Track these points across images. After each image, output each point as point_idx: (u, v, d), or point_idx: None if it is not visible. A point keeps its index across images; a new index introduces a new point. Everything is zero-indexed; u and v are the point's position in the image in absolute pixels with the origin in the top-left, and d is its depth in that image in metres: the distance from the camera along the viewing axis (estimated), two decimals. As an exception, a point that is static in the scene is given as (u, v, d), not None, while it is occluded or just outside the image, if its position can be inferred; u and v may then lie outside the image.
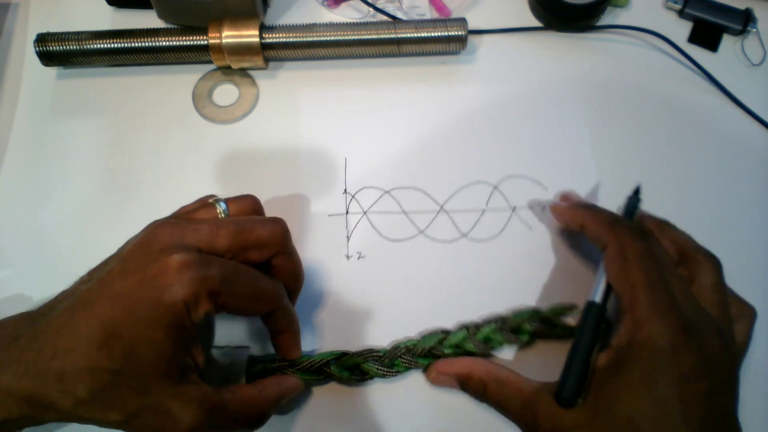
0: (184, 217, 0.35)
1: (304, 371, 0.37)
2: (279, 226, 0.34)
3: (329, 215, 0.43)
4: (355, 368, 0.38)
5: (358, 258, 0.42)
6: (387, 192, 0.44)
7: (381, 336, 0.40)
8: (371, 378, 0.38)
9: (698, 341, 0.29)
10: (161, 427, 0.30)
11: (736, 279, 0.42)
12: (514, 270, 0.41)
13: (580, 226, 0.36)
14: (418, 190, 0.44)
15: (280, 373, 0.37)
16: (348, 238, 0.42)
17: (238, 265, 0.32)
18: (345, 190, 0.44)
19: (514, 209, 0.43)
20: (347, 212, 0.43)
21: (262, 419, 0.33)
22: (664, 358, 0.29)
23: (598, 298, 0.34)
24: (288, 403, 0.38)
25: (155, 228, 0.32)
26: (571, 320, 0.38)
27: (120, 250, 0.33)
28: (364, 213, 0.43)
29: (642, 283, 0.31)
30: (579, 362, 0.31)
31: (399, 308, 0.40)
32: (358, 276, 0.41)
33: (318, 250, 0.42)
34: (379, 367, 0.37)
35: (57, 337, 0.30)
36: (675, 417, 0.28)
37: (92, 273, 0.33)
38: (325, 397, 0.38)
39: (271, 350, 0.37)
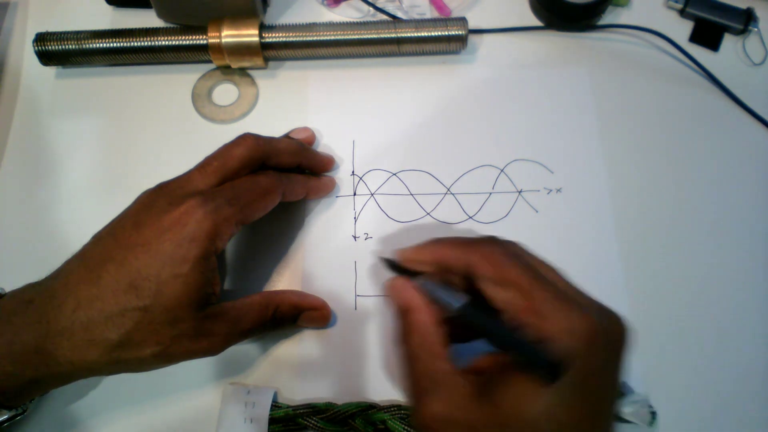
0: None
1: (327, 421, 0.36)
2: (244, 145, 0.36)
3: (337, 196, 0.44)
4: (380, 424, 0.36)
5: (366, 239, 0.42)
6: (394, 174, 0.44)
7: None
8: None
9: (604, 330, 0.28)
10: (199, 347, 0.32)
11: (737, 279, 0.42)
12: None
13: (435, 263, 0.32)
14: (425, 173, 0.45)
15: (303, 419, 0.36)
16: (355, 219, 0.43)
17: (235, 182, 0.35)
18: (353, 172, 0.44)
19: (520, 192, 0.44)
20: (354, 194, 0.44)
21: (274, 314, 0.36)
22: (576, 352, 0.27)
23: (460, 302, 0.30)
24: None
25: (153, 192, 0.34)
26: None
27: (122, 213, 0.34)
28: (372, 195, 0.44)
29: (526, 282, 0.29)
30: (518, 341, 0.28)
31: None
32: (365, 255, 0.42)
33: (326, 230, 0.43)
34: (406, 427, 0.36)
35: (77, 290, 0.31)
36: (583, 419, 0.26)
37: (97, 236, 0.33)
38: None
39: (295, 394, 0.38)
